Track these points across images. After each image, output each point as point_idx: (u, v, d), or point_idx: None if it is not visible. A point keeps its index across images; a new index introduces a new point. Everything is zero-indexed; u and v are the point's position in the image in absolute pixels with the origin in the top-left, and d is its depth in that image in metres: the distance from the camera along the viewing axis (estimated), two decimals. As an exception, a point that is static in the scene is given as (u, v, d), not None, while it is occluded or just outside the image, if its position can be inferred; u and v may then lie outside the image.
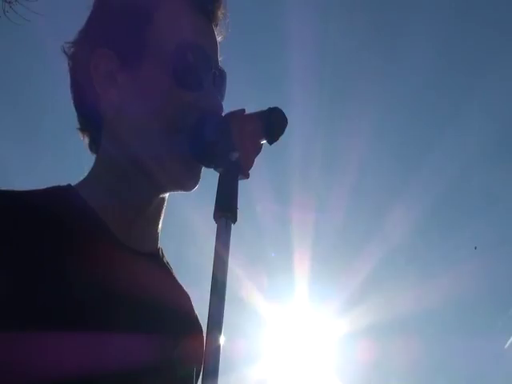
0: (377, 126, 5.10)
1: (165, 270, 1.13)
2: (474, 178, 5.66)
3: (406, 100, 5.19)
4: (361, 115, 4.68)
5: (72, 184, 1.05)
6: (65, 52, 1.07)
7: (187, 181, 1.03)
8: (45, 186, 1.02)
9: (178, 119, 0.99)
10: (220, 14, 1.10)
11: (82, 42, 1.06)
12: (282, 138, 0.95)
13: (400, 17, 5.52)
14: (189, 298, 1.16)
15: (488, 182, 5.72)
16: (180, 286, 1.15)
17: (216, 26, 1.10)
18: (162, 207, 1.08)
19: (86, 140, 1.11)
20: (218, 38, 1.11)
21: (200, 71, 1.03)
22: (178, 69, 1.01)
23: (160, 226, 1.09)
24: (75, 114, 1.09)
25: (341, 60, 5.06)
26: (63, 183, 1.04)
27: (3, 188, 0.95)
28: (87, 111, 1.07)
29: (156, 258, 1.10)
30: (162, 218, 1.09)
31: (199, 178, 1.03)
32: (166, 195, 1.07)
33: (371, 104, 4.79)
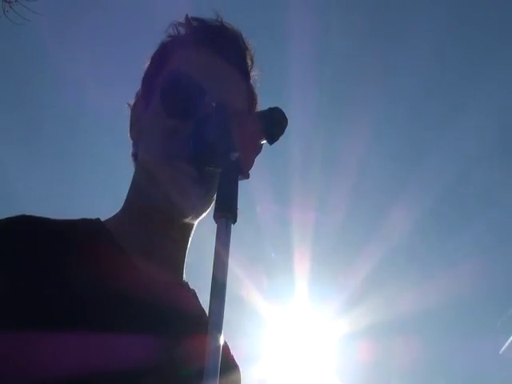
0: (377, 126, 5.10)
1: (191, 300, 1.12)
2: (473, 178, 5.66)
3: (406, 101, 5.20)
4: (361, 116, 4.69)
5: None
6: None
7: (180, 202, 1.03)
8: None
9: (172, 150, 1.01)
10: (231, 49, 1.10)
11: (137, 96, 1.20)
12: (281, 137, 0.95)
13: (399, 18, 5.52)
14: (195, 295, 1.15)
15: (487, 183, 5.72)
16: (187, 287, 1.16)
17: (236, 63, 1.10)
18: (184, 240, 1.09)
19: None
20: (250, 88, 1.14)
21: (188, 99, 1.03)
22: (162, 95, 1.05)
23: (184, 258, 1.10)
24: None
25: (341, 61, 5.07)
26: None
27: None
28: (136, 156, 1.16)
29: (180, 287, 1.10)
30: (185, 248, 1.10)
31: (195, 203, 1.05)
32: (190, 229, 1.09)
33: (371, 105, 4.79)
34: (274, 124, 0.93)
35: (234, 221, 0.85)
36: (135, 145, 1.15)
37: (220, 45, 1.09)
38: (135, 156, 1.15)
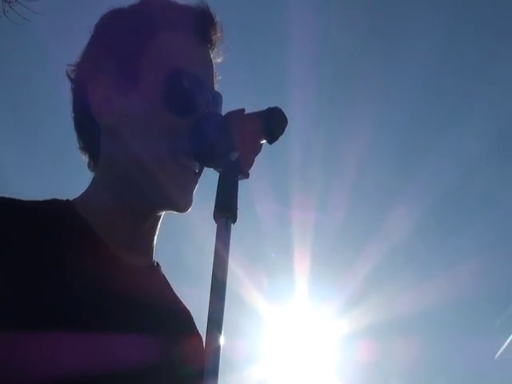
0: (377, 126, 5.10)
1: (162, 279, 1.13)
2: (472, 179, 5.66)
3: (406, 101, 5.19)
4: (361, 116, 4.69)
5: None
6: (68, 75, 1.11)
7: (180, 200, 1.04)
8: (43, 197, 1.04)
9: (176, 146, 1.01)
10: (216, 38, 1.11)
11: (83, 67, 1.10)
12: (281, 137, 0.95)
13: (400, 18, 5.52)
14: (188, 311, 1.16)
15: (487, 183, 5.72)
16: (177, 297, 1.16)
17: (213, 48, 1.12)
18: (157, 225, 1.09)
19: (86, 159, 1.14)
20: (216, 60, 1.12)
21: (191, 97, 1.04)
22: (169, 95, 1.02)
23: (155, 242, 1.11)
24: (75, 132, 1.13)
25: (341, 60, 5.06)
26: (62, 187, 1.08)
27: (3, 195, 0.97)
28: (84, 132, 1.11)
29: (152, 271, 1.11)
30: (156, 234, 1.10)
31: (191, 199, 1.05)
32: (162, 214, 1.09)
33: (371, 105, 4.79)
34: (273, 124, 0.93)
35: (234, 221, 0.85)
36: (95, 148, 1.09)
37: (209, 33, 1.10)
38: (94, 163, 1.10)
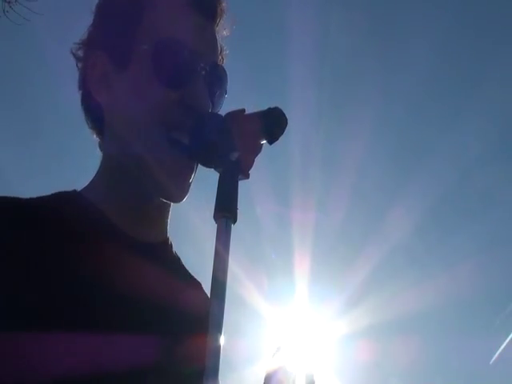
0: (377, 126, 5.10)
1: (174, 260, 1.14)
2: (472, 179, 5.66)
3: (406, 101, 5.19)
4: (361, 116, 4.68)
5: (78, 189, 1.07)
6: (72, 53, 1.11)
7: (175, 191, 1.03)
8: (49, 192, 1.04)
9: (167, 117, 1.00)
10: (217, 9, 1.08)
11: (85, 44, 1.10)
12: (281, 137, 0.95)
13: (400, 18, 5.52)
14: (200, 287, 1.15)
15: (487, 183, 5.72)
16: (189, 277, 1.16)
17: (215, 22, 1.09)
18: (166, 206, 1.08)
19: (96, 139, 1.13)
20: (221, 33, 1.10)
21: (183, 68, 1.01)
22: (158, 67, 1.01)
23: (168, 220, 1.10)
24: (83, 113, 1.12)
25: (341, 60, 5.06)
26: (64, 184, 1.07)
27: (7, 195, 0.98)
28: (89, 111, 1.10)
29: (165, 247, 1.11)
30: (169, 212, 1.09)
31: (188, 190, 1.04)
32: None
33: (371, 105, 4.79)
34: (273, 124, 0.93)
35: (234, 221, 0.85)
36: (97, 104, 1.07)
37: (209, 3, 1.07)
38: (97, 114, 1.08)
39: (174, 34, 1.02)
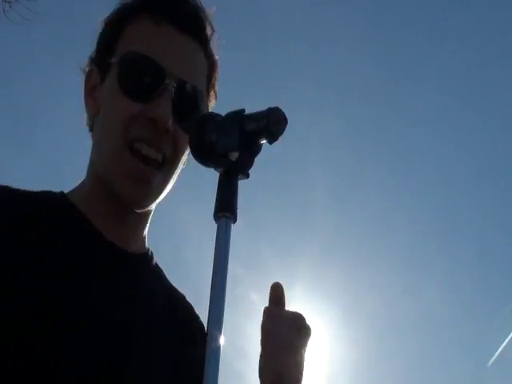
0: (377, 126, 5.11)
1: (154, 272, 1.13)
2: (473, 178, 5.66)
3: (407, 100, 5.20)
4: (361, 115, 4.69)
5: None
6: (81, 70, 1.16)
7: (131, 192, 1.03)
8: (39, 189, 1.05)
9: (128, 129, 1.02)
10: (198, 27, 1.09)
11: (90, 61, 1.15)
12: (282, 137, 0.95)
13: (399, 16, 5.52)
14: (183, 300, 1.15)
15: (487, 183, 5.72)
16: (170, 289, 1.15)
17: (196, 39, 1.09)
18: (147, 216, 1.10)
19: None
20: (211, 57, 1.12)
21: (145, 82, 1.03)
22: (122, 79, 1.03)
23: (146, 230, 1.11)
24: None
25: (341, 60, 5.07)
26: (60, 187, 1.09)
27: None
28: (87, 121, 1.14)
29: (144, 257, 1.11)
30: (147, 222, 1.11)
31: (149, 195, 1.05)
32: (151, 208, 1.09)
33: (371, 104, 4.79)
34: (273, 124, 0.93)
35: (234, 221, 0.85)
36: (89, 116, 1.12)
37: (178, 15, 1.08)
38: (91, 127, 1.12)
39: (142, 49, 1.04)
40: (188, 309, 1.15)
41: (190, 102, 1.06)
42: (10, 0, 4.85)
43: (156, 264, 1.14)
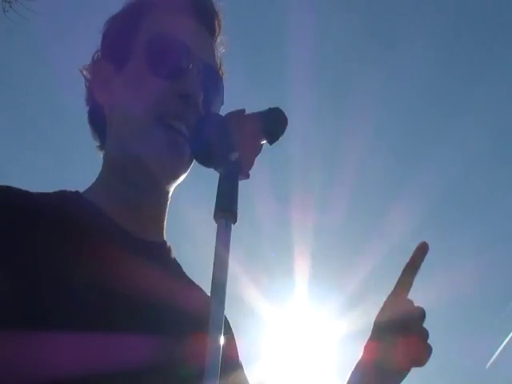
0: (377, 125, 5.11)
1: (173, 262, 1.15)
2: (473, 178, 5.66)
3: (407, 99, 5.20)
4: (361, 115, 4.69)
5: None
6: (81, 72, 1.17)
7: (169, 160, 1.05)
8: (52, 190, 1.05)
9: (163, 107, 1.04)
10: (215, 22, 1.14)
11: (93, 62, 1.16)
12: (282, 137, 0.95)
13: (399, 18, 5.53)
14: (200, 289, 1.16)
15: (487, 183, 5.72)
16: (189, 280, 1.16)
17: (212, 33, 1.14)
18: (165, 204, 1.11)
19: (97, 143, 1.17)
20: (219, 49, 1.15)
21: (175, 58, 1.06)
22: (151, 58, 1.06)
23: (165, 220, 1.12)
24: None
25: (340, 59, 5.07)
26: (66, 186, 1.09)
27: (13, 186, 0.99)
28: (93, 117, 1.15)
29: (164, 247, 1.12)
30: (165, 210, 1.12)
31: (183, 161, 1.06)
32: (169, 193, 1.10)
33: (371, 103, 4.79)
34: (274, 124, 0.93)
35: (235, 221, 0.85)
36: (100, 107, 1.13)
37: (195, 8, 1.12)
38: (100, 118, 1.13)
39: (169, 30, 1.08)
40: (205, 299, 1.15)
41: (214, 85, 1.11)
42: (10, 0, 4.84)
43: (174, 257, 1.15)
